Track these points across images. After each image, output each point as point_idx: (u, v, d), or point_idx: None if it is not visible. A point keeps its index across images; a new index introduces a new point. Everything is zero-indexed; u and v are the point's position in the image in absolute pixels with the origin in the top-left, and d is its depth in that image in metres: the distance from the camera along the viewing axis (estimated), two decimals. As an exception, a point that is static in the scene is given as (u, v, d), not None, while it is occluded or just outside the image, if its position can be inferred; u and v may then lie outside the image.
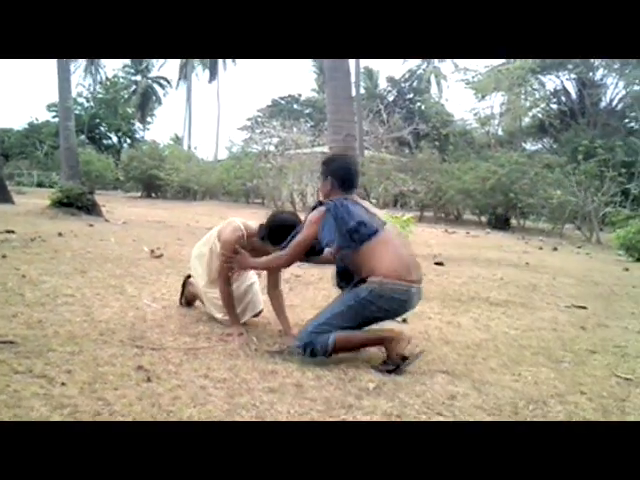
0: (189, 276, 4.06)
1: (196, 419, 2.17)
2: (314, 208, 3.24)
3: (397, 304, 3.06)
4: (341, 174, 3.29)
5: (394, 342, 3.00)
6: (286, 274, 5.29)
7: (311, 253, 3.30)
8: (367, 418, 2.32)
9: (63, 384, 2.39)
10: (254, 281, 3.90)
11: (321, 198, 3.45)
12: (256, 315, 3.85)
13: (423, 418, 2.38)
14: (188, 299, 4.09)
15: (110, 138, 49.67)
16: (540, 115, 35.81)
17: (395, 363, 2.97)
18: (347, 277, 3.24)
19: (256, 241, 3.53)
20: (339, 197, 3.22)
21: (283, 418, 2.26)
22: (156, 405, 2.27)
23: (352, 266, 3.19)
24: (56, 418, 2.06)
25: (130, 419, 2.11)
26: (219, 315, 3.71)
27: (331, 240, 3.12)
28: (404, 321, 4.13)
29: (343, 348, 3.03)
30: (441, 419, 2.39)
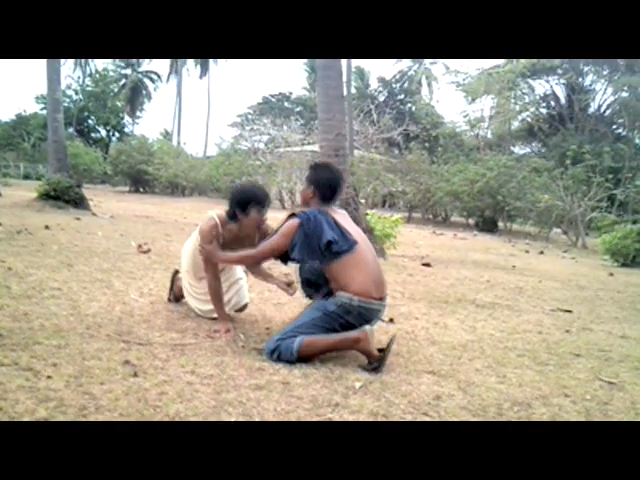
0: (177, 271, 4.05)
1: (183, 415, 2.16)
2: (289, 217, 3.23)
3: (363, 320, 3.08)
4: (325, 186, 3.28)
5: (361, 342, 3.01)
6: (275, 272, 5.28)
7: (285, 258, 3.30)
8: (353, 417, 2.33)
9: (49, 377, 2.38)
10: (241, 277, 3.90)
11: (300, 202, 3.47)
12: (241, 309, 3.85)
13: (409, 418, 2.40)
14: (176, 295, 4.08)
15: (99, 131, 49.33)
16: (529, 119, 36.03)
17: (377, 359, 2.98)
18: (314, 285, 3.28)
19: (232, 226, 3.51)
20: (315, 208, 3.23)
21: (270, 415, 2.26)
22: (142, 400, 2.26)
23: (318, 276, 3.24)
24: (42, 411, 2.04)
25: (116, 414, 2.10)
26: (200, 306, 3.72)
27: (301, 258, 3.14)
28: (391, 321, 4.16)
29: (309, 352, 2.99)
30: (427, 419, 2.41)
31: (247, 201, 3.41)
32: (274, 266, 3.92)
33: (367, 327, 3.05)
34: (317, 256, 3.11)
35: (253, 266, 3.70)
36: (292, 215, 3.21)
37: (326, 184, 3.29)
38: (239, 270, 3.93)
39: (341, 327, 3.07)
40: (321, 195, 3.28)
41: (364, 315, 3.07)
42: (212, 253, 3.39)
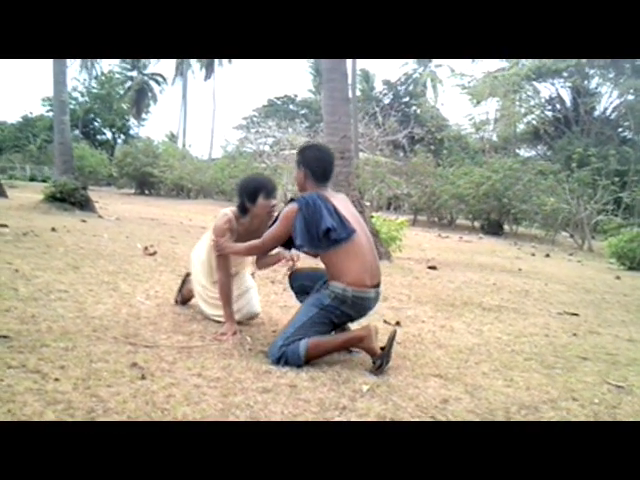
0: (189, 274, 4.05)
1: (190, 418, 2.16)
2: (288, 202, 3.19)
3: (359, 308, 3.09)
4: (315, 165, 3.23)
5: (365, 339, 3.02)
6: (280, 274, 5.29)
7: (287, 244, 3.29)
8: (361, 420, 2.32)
9: (57, 380, 2.38)
10: (252, 286, 3.91)
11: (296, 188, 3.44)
12: (252, 318, 3.84)
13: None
14: (184, 296, 4.08)
15: (104, 134, 49.58)
16: (535, 122, 36.00)
17: (380, 356, 2.98)
18: (305, 291, 3.30)
19: (245, 220, 3.53)
20: (312, 191, 3.18)
21: (277, 419, 2.25)
22: (150, 403, 2.26)
23: (311, 280, 3.29)
24: (50, 414, 2.05)
25: (124, 417, 2.10)
26: (211, 311, 3.72)
27: (301, 244, 3.09)
28: (397, 324, 4.15)
29: (316, 354, 2.99)
30: (434, 423, 2.40)
31: (254, 190, 3.45)
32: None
33: (372, 325, 3.08)
34: (315, 242, 3.07)
35: (260, 258, 3.66)
36: (291, 200, 3.18)
37: (315, 162, 3.24)
38: (249, 279, 3.96)
39: (338, 318, 3.08)
40: (313, 175, 3.23)
41: (359, 304, 3.06)
42: (223, 245, 3.40)
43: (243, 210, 3.51)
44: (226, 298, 3.49)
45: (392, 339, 3.01)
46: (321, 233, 3.01)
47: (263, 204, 3.45)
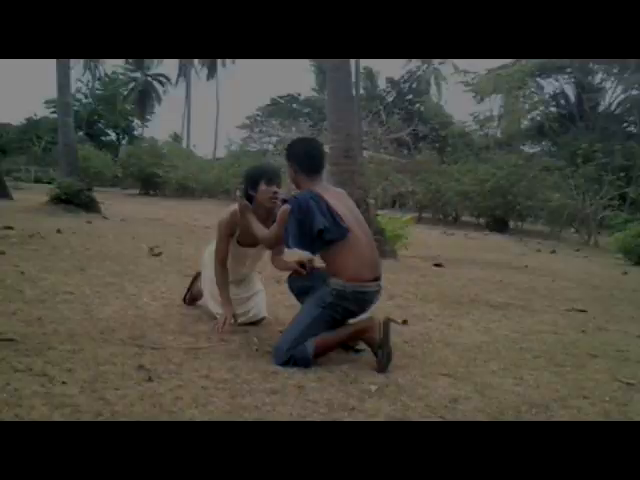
0: (200, 273, 4.04)
1: (198, 420, 2.15)
2: (282, 204, 3.17)
3: (361, 303, 3.08)
4: (302, 158, 3.21)
5: (369, 330, 3.02)
6: (287, 274, 5.27)
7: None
8: (370, 421, 2.31)
9: (64, 383, 2.37)
10: (261, 289, 3.91)
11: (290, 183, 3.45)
12: (258, 322, 3.82)
13: (426, 421, 2.37)
14: (194, 295, 4.08)
15: (109, 135, 49.55)
16: (539, 118, 35.91)
17: (378, 344, 2.97)
18: (305, 291, 3.29)
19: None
20: (306, 188, 3.16)
21: (285, 420, 2.24)
22: (157, 405, 2.24)
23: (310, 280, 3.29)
24: (57, 417, 2.03)
25: (131, 419, 2.09)
26: (217, 310, 3.70)
27: (295, 245, 3.07)
28: (404, 322, 4.12)
29: (322, 352, 3.00)
30: (444, 422, 2.38)
31: (256, 176, 3.45)
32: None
33: (376, 317, 3.07)
34: (309, 243, 3.06)
35: (275, 259, 3.64)
36: (284, 202, 3.15)
37: (303, 156, 3.22)
38: (259, 282, 3.97)
39: (340, 315, 3.08)
40: (301, 168, 3.21)
41: (360, 299, 3.06)
42: (246, 207, 3.39)
43: (247, 198, 3.49)
44: (223, 285, 3.54)
45: (387, 327, 2.99)
46: (314, 234, 2.99)
47: (264, 190, 3.42)
